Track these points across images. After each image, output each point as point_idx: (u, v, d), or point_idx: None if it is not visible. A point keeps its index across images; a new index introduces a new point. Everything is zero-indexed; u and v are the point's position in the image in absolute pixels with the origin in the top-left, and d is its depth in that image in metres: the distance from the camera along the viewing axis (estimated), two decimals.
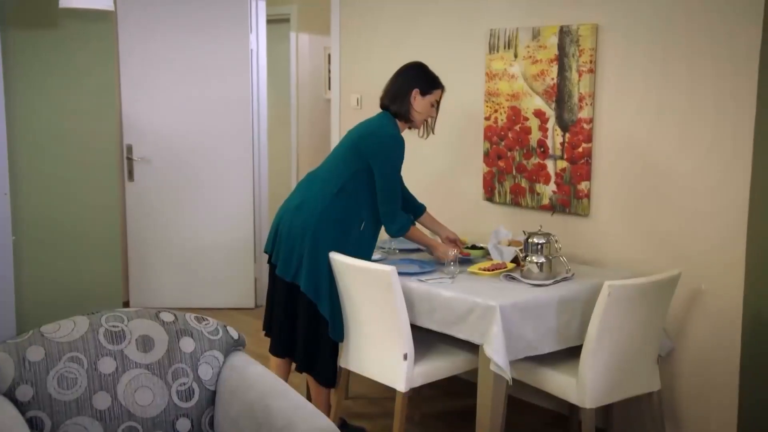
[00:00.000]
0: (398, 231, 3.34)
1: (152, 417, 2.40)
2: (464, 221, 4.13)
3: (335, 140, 4.87)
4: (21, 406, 2.25)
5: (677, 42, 3.24)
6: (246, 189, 5.40)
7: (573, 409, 3.56)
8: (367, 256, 3.35)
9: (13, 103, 2.34)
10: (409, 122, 3.39)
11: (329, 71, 6.82)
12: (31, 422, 2.25)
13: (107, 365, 2.39)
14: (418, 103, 3.33)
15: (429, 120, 3.46)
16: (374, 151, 3.26)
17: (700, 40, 3.18)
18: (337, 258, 3.22)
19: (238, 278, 5.44)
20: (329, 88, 6.80)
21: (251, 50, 5.32)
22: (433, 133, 3.50)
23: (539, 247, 3.23)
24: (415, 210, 3.67)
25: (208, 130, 5.30)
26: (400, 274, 3.10)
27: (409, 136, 3.53)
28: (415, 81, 3.33)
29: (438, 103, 3.39)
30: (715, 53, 3.13)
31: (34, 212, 2.46)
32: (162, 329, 2.52)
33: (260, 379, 2.46)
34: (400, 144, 3.30)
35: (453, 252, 3.29)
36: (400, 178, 3.41)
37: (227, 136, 5.32)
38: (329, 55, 6.78)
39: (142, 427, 2.38)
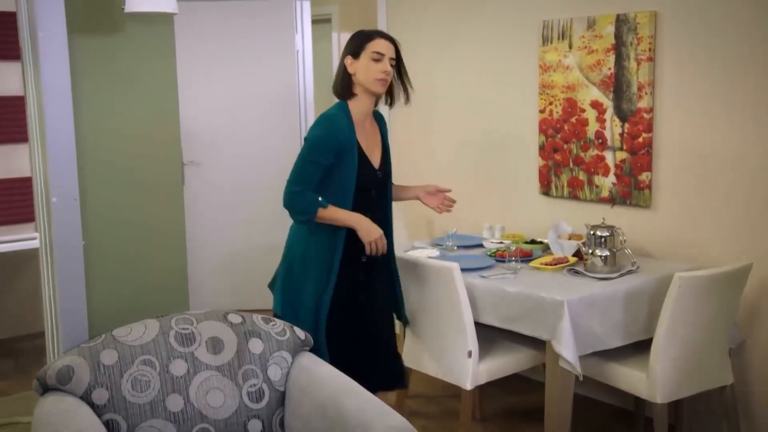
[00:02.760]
0: (300, 214, 2.81)
1: (224, 419, 2.39)
2: (520, 216, 4.07)
3: None
4: (97, 409, 2.27)
5: (739, 27, 3.15)
6: None
7: (639, 404, 3.48)
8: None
9: (79, 107, 2.36)
10: (359, 94, 2.86)
11: None
12: (108, 425, 2.26)
13: (179, 367, 2.39)
14: (356, 68, 2.83)
15: (403, 82, 2.97)
16: None
17: (764, 28, 3.08)
18: (401, 256, 3.20)
19: None
20: None
21: (297, 51, 5.32)
22: (407, 96, 3.01)
23: (603, 240, 3.17)
24: None
25: (256, 132, 5.31)
26: (461, 270, 3.06)
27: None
28: (345, 52, 2.88)
29: (384, 55, 2.82)
30: None
31: (103, 216, 2.47)
32: (231, 331, 2.51)
33: (330, 378, 2.44)
34: (323, 122, 2.83)
35: (378, 234, 2.81)
36: (317, 158, 2.80)
37: (275, 138, 5.32)
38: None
39: (215, 428, 2.38)
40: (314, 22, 5.96)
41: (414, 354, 3.30)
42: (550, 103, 3.83)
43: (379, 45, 2.84)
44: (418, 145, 4.62)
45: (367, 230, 2.82)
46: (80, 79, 2.35)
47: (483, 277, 3.17)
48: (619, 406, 3.77)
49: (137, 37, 2.47)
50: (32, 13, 2.30)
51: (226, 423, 2.40)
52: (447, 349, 3.12)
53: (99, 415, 2.26)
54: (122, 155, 2.53)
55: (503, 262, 3.32)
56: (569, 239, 3.47)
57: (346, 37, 6.80)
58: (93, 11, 2.34)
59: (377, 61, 2.82)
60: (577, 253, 3.35)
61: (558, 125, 3.81)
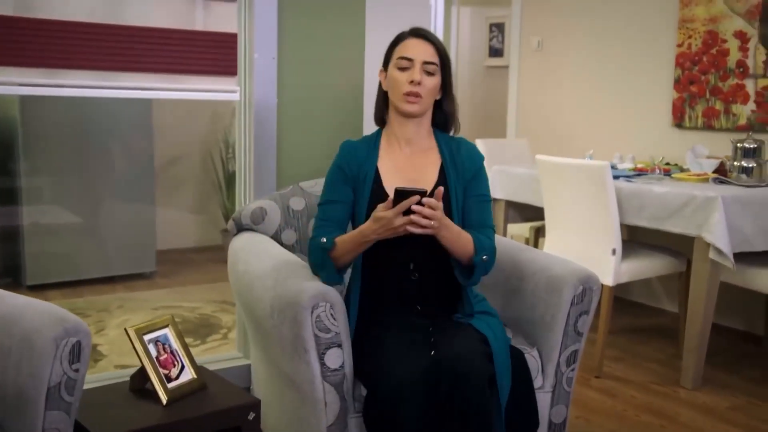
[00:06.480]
0: (318, 267, 1.86)
1: None
2: (651, 148, 3.87)
3: (513, 91, 4.69)
4: (286, 248, 2.23)
5: None
6: None
7: None
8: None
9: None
10: (392, 120, 1.94)
11: (490, 40, 6.70)
12: None
13: None
14: (387, 84, 1.92)
15: (442, 102, 1.93)
16: None
17: None
18: (544, 159, 3.08)
19: None
20: (489, 56, 6.68)
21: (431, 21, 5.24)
22: (451, 124, 1.97)
23: (751, 151, 2.96)
24: None
25: None
26: None
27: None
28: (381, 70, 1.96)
29: (414, 60, 1.84)
30: None
31: (295, 79, 2.45)
32: None
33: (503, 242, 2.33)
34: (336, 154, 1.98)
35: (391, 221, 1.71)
36: (331, 196, 1.96)
37: None
38: (491, 25, 6.66)
39: None
40: None
41: (557, 250, 3.15)
42: (689, 37, 3.63)
43: (406, 47, 1.87)
44: (550, 80, 4.47)
45: (383, 225, 1.74)
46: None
47: (630, 181, 3.01)
48: (743, 330, 3.52)
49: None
50: None
51: None
52: (591, 247, 2.97)
53: None
54: (316, 29, 2.49)
55: (645, 175, 3.15)
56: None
57: (465, 10, 6.76)
58: None
59: (404, 69, 1.86)
60: (718, 171, 3.15)
61: (696, 58, 3.61)
